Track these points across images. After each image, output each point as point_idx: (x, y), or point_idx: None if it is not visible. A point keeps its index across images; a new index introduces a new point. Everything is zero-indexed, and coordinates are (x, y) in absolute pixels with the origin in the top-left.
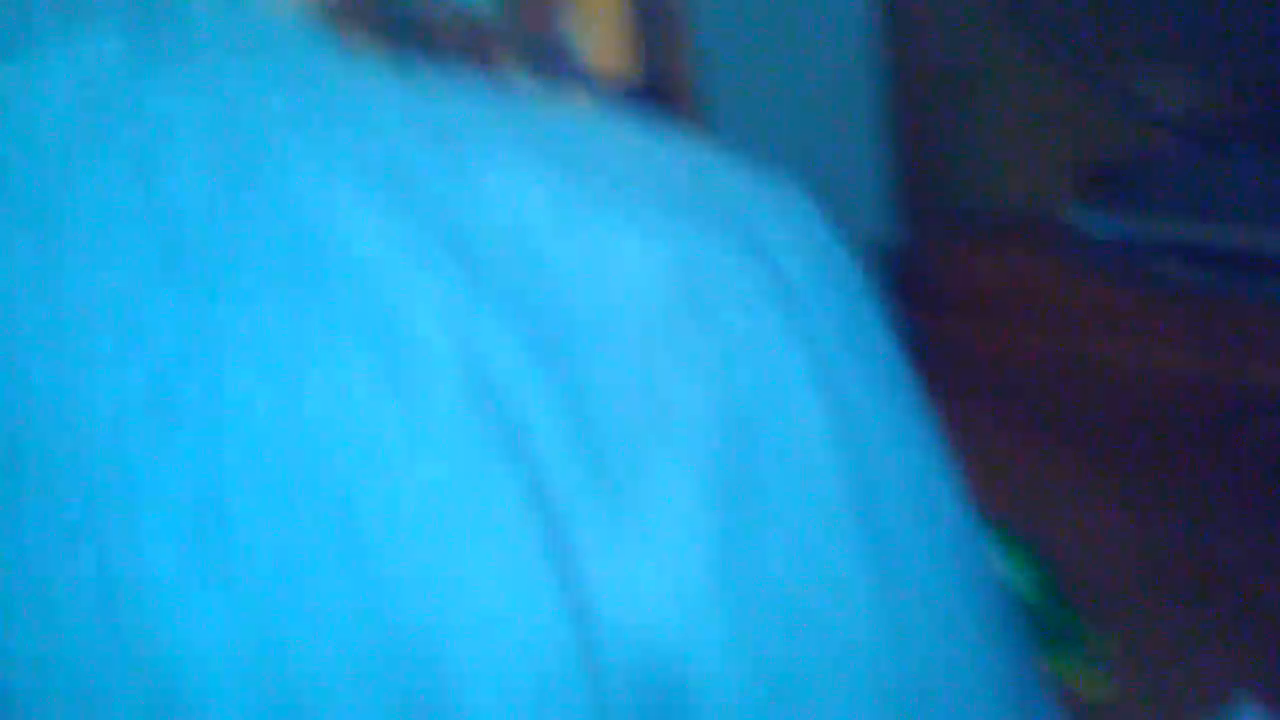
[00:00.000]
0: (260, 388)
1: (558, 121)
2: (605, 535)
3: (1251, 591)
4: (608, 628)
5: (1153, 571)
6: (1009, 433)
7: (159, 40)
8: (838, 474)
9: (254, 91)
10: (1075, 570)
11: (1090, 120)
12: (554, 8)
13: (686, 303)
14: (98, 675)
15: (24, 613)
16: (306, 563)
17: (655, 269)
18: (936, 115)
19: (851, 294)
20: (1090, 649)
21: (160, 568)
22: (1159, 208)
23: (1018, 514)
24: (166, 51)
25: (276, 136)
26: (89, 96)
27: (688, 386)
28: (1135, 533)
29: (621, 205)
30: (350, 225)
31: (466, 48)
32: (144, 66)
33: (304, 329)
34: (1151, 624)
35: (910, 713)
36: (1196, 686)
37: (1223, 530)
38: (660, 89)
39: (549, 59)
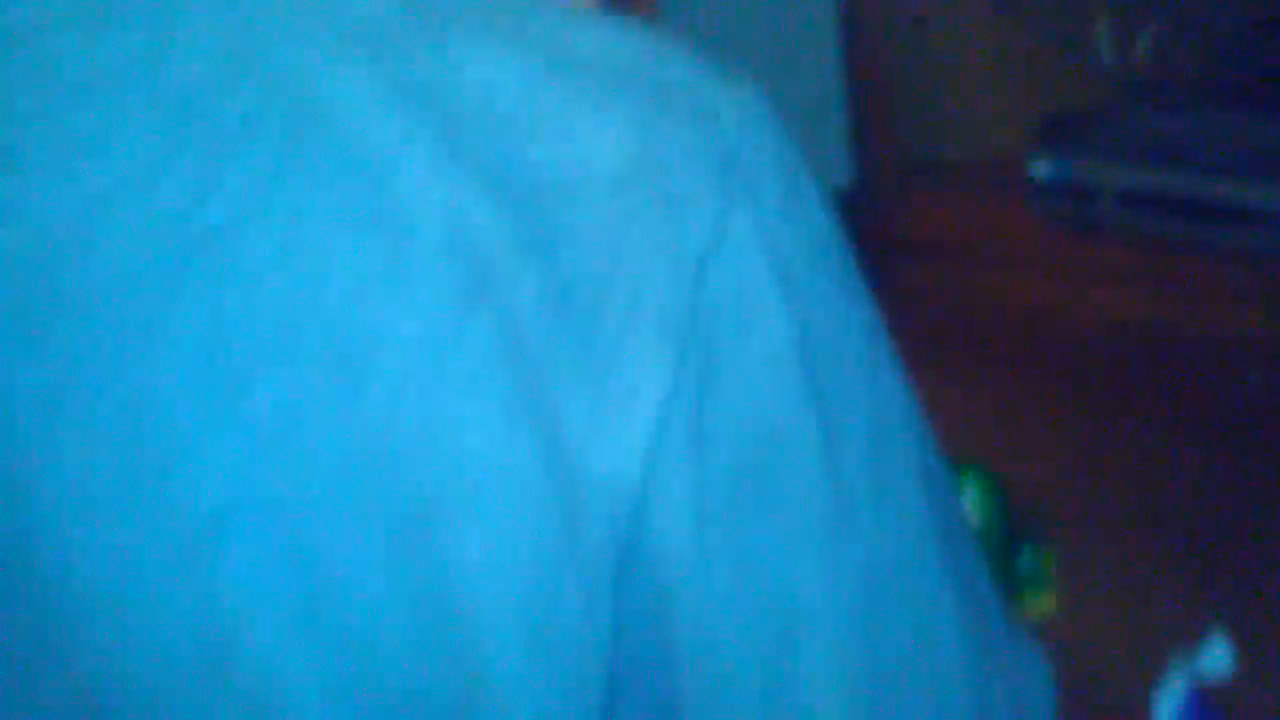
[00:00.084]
0: (261, 242)
1: (531, 8)
2: (579, 384)
3: (1198, 526)
4: (585, 474)
5: (1101, 504)
6: (962, 373)
7: None
8: (785, 321)
9: None
10: (1027, 500)
11: (1048, 70)
12: None
13: (642, 165)
14: (120, 489)
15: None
16: (304, 400)
17: (614, 134)
18: (894, 62)
19: (790, 166)
20: (1038, 569)
21: (176, 406)
22: (1111, 155)
23: (971, 450)
24: None
25: (278, 15)
26: None
27: (643, 244)
28: (1085, 468)
29: (586, 81)
30: (345, 95)
31: None
32: None
33: (301, 191)
34: (1102, 551)
35: (859, 561)
36: (1164, 619)
37: (1170, 467)
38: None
39: None
